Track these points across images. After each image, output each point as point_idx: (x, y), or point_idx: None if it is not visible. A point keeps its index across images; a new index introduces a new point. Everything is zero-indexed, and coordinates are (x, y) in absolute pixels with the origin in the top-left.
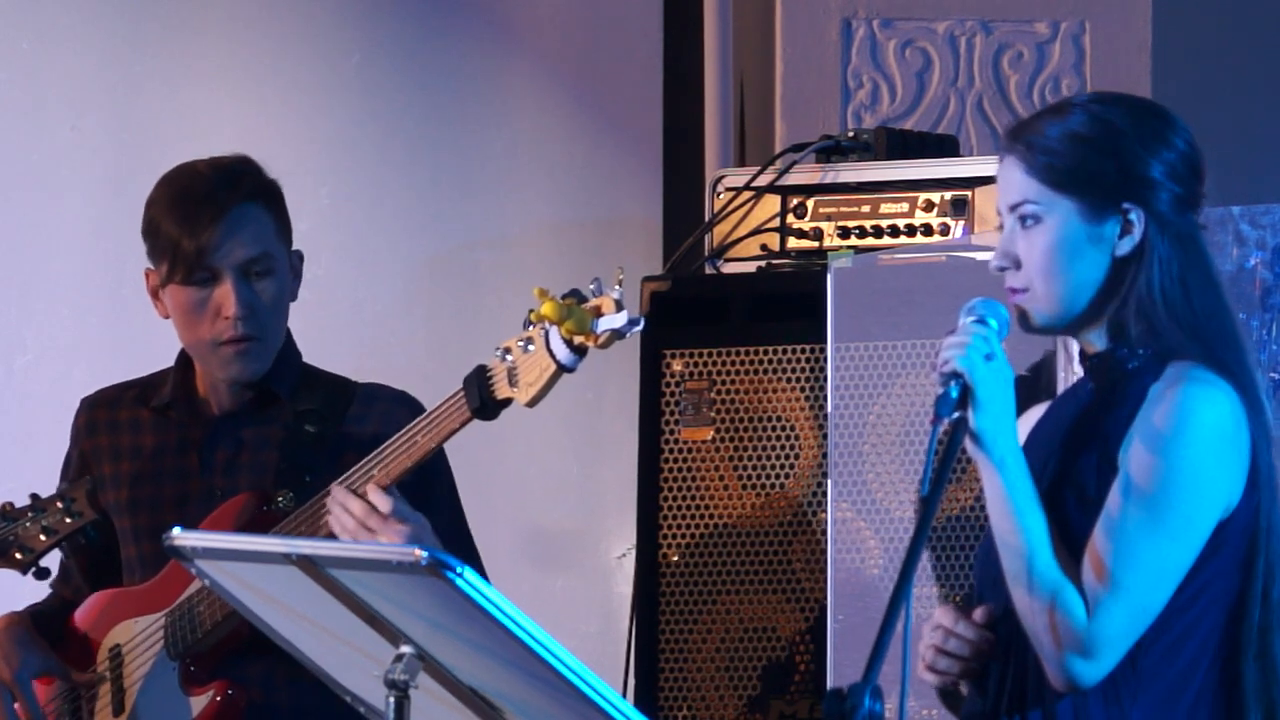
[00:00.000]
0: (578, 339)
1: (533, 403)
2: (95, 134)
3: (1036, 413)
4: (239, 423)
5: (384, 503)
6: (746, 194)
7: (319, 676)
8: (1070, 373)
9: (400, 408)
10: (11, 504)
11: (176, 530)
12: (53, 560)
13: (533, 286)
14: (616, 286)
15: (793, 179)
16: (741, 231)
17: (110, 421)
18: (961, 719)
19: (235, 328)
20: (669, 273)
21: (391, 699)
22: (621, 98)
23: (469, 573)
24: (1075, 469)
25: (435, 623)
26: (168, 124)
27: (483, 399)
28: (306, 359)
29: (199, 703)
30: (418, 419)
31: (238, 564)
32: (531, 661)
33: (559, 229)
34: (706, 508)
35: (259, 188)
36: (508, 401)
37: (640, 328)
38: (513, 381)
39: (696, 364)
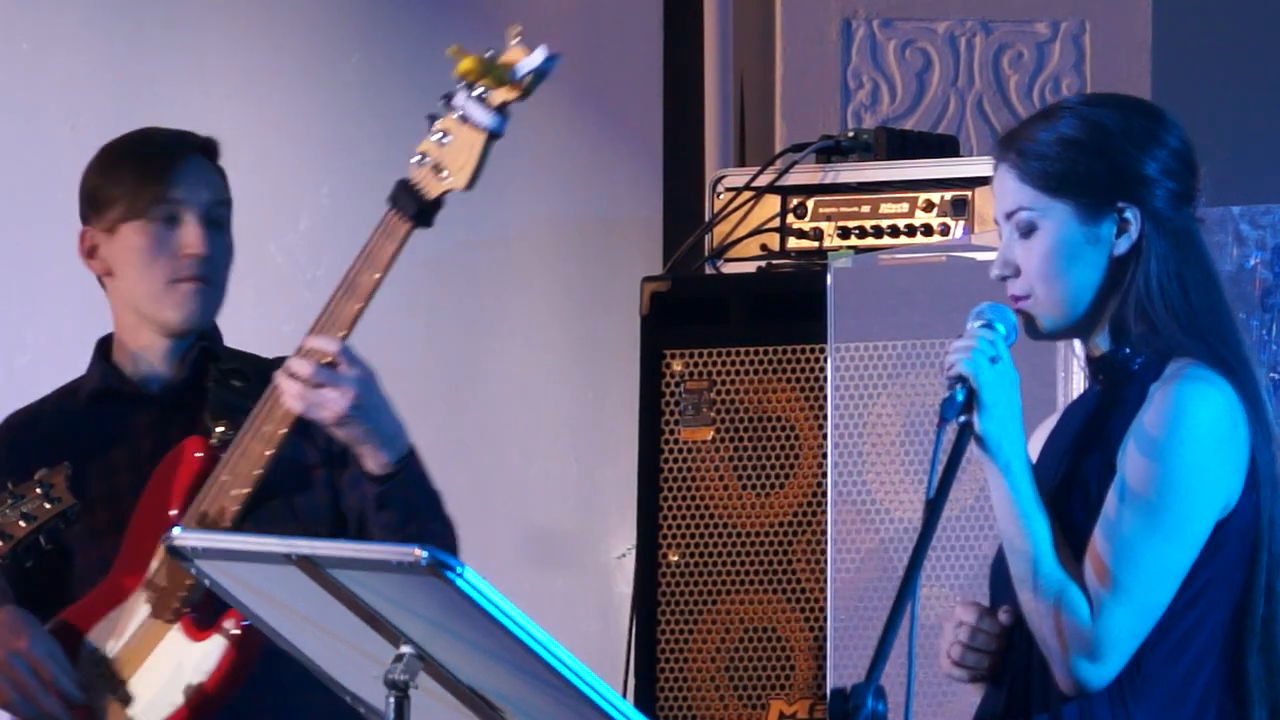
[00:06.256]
0: (498, 96)
1: (471, 183)
2: (94, 134)
3: (1048, 425)
4: (177, 401)
5: (329, 344)
6: (746, 194)
7: (319, 676)
8: (1072, 377)
9: None
10: None
11: (176, 531)
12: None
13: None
14: (512, 41)
15: (793, 179)
16: (741, 231)
17: (38, 438)
18: None
19: (196, 266)
20: (669, 273)
21: (391, 699)
22: (621, 98)
23: (469, 572)
24: (1080, 472)
25: (435, 623)
26: (167, 124)
27: (420, 205)
28: None
29: (212, 646)
30: (353, 261)
31: (238, 564)
32: (531, 661)
33: (559, 229)
34: (706, 508)
35: (206, 146)
36: (442, 197)
37: (558, 61)
38: (440, 175)
39: (696, 364)
